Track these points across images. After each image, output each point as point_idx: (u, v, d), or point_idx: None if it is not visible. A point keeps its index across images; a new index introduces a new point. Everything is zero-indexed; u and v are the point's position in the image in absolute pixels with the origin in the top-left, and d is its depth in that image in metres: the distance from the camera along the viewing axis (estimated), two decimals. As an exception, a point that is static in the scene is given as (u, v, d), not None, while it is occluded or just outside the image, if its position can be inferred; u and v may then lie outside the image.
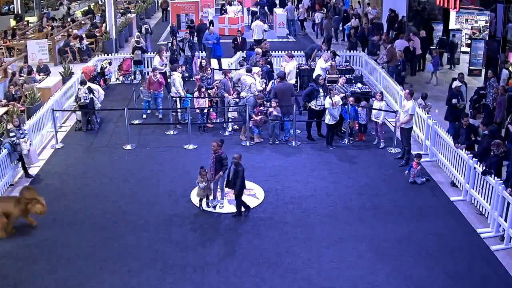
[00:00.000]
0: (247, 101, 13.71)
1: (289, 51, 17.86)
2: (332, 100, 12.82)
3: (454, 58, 20.11)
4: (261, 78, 14.99)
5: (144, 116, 15.45)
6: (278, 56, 19.28)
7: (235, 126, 14.47)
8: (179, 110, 14.79)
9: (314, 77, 14.50)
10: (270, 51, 18.23)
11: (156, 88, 15.27)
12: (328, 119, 13.00)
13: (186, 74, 17.84)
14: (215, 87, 14.96)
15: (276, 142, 13.57)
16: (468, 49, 19.61)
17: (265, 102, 13.87)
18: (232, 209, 10.39)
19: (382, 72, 17.11)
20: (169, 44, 19.55)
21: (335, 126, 13.33)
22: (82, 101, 14.29)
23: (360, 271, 8.54)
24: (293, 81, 15.92)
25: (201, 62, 16.46)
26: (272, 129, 13.52)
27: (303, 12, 27.76)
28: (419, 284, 8.23)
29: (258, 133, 13.72)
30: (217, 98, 15.00)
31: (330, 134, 13.27)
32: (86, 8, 34.11)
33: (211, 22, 26.95)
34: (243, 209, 10.23)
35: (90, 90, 14.55)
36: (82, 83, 14.66)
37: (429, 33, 21.10)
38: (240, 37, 20.14)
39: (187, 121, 13.65)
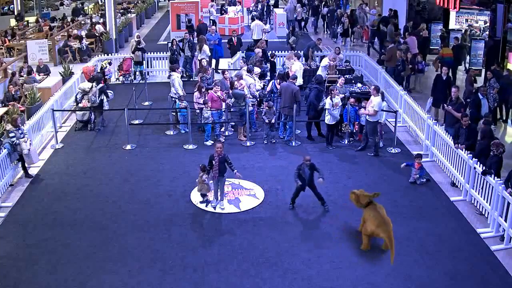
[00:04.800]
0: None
1: (297, 52, 17.84)
2: (332, 101, 12.82)
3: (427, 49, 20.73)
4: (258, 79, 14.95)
5: (210, 142, 13.33)
6: (280, 56, 19.23)
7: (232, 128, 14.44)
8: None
9: (315, 77, 14.29)
10: (270, 51, 18.21)
11: (218, 106, 13.38)
12: (328, 119, 13.00)
13: (185, 77, 17.88)
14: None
15: (272, 141, 13.57)
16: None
17: (265, 102, 13.88)
18: (233, 209, 10.41)
19: (382, 72, 17.10)
20: (169, 44, 19.55)
21: (335, 126, 13.33)
22: (91, 103, 14.23)
23: (360, 271, 8.54)
24: (299, 81, 15.43)
25: (200, 61, 16.34)
26: (267, 129, 13.52)
27: (300, 12, 27.80)
28: (419, 284, 8.23)
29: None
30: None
31: (330, 134, 13.27)
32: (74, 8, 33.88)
33: (214, 22, 26.94)
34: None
35: (102, 92, 14.49)
36: (94, 80, 14.55)
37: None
38: (236, 37, 20.12)
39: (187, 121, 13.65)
